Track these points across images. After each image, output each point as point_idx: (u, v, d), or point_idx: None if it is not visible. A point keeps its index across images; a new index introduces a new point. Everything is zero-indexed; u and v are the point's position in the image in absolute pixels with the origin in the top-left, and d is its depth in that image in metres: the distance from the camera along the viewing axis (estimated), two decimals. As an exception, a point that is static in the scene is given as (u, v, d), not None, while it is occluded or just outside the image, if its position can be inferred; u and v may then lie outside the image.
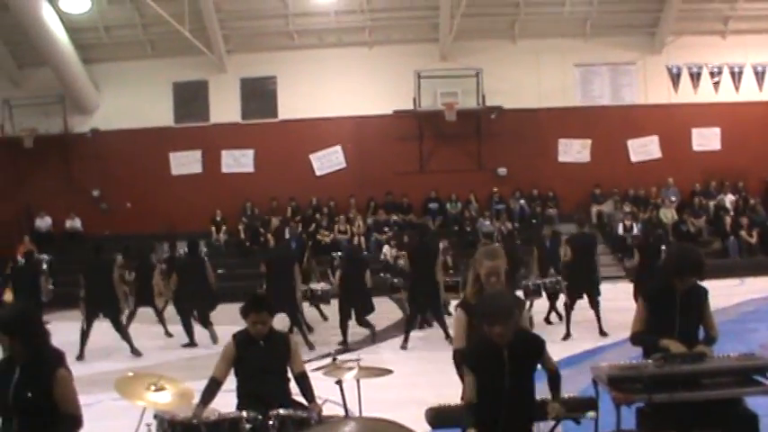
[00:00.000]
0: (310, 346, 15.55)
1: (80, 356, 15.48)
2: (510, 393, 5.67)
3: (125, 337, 16.16)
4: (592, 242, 16.98)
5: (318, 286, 18.92)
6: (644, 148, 29.24)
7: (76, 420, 5.37)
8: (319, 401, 6.74)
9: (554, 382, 6.08)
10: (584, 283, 15.86)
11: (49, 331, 5.67)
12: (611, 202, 28.35)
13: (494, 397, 5.68)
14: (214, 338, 16.71)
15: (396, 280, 19.02)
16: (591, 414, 6.46)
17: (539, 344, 5.97)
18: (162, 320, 18.65)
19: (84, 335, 15.92)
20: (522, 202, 28.66)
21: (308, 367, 7.24)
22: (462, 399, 6.23)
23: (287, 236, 22.40)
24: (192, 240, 18.67)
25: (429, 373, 11.98)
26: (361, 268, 16.48)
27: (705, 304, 6.91)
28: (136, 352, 16.08)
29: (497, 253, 6.55)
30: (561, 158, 29.33)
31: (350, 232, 27.56)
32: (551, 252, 17.43)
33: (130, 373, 6.81)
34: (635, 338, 7.07)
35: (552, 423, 6.13)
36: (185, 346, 16.86)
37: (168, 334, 18.15)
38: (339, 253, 20.68)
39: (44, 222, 29.48)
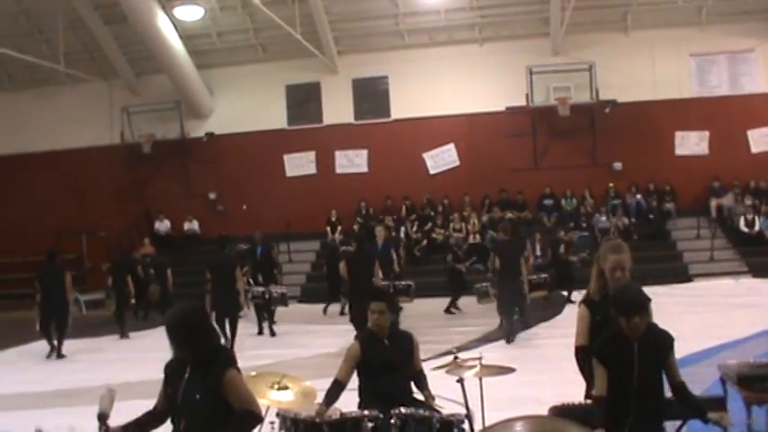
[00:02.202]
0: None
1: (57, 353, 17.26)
2: (639, 388, 5.53)
3: (60, 338, 17.41)
4: (519, 249, 17.27)
5: (276, 289, 19.96)
6: (765, 139, 28.24)
7: (253, 415, 5.28)
8: (441, 402, 6.74)
9: (682, 396, 5.76)
10: (512, 291, 16.27)
11: (216, 332, 5.65)
12: (731, 195, 27.52)
13: (623, 391, 5.55)
14: None
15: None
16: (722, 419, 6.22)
17: (668, 340, 5.75)
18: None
19: (47, 335, 17.48)
20: (639, 197, 28.06)
21: (430, 365, 7.26)
22: (587, 395, 6.14)
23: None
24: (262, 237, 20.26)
25: (547, 371, 11.84)
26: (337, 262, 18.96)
27: None
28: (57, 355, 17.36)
29: (622, 247, 6.39)
30: (678, 151, 28.62)
31: (465, 230, 27.45)
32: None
33: (253, 373, 6.87)
34: None
35: (679, 423, 5.96)
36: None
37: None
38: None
39: (163, 225, 30.21)
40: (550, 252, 23.56)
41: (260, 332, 19.11)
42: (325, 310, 22.44)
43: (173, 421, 5.38)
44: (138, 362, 15.53)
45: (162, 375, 5.51)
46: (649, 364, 5.57)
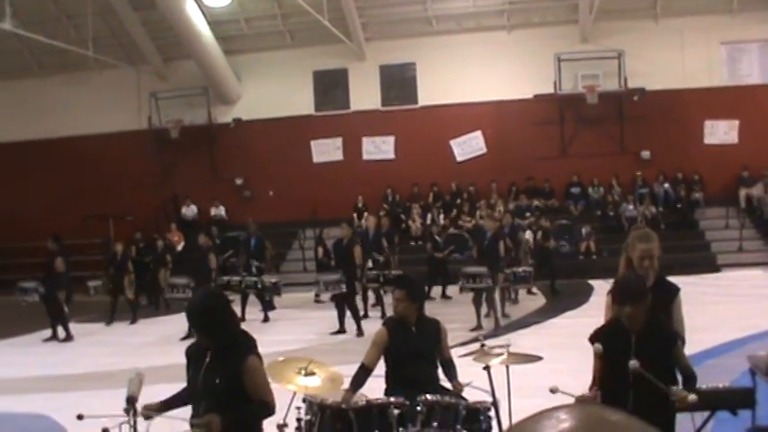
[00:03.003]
0: None
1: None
2: (635, 380, 5.43)
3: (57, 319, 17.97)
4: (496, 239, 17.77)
5: (269, 279, 20.13)
6: (796, 128, 28.02)
7: (267, 406, 5.31)
8: (467, 390, 6.73)
9: (689, 383, 5.69)
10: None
11: (237, 318, 5.62)
12: (760, 185, 27.25)
13: (619, 382, 5.49)
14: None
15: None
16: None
17: (669, 340, 5.67)
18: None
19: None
20: (667, 185, 27.88)
21: (457, 353, 7.24)
22: (591, 388, 6.09)
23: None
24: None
25: (569, 360, 11.78)
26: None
27: None
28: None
29: (650, 236, 6.35)
30: (707, 140, 28.35)
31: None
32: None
33: (281, 358, 6.86)
34: None
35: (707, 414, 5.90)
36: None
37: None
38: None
39: (190, 210, 30.28)
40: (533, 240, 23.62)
41: (265, 319, 19.23)
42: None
43: (193, 404, 5.41)
44: (164, 346, 15.61)
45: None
46: (647, 359, 5.43)
